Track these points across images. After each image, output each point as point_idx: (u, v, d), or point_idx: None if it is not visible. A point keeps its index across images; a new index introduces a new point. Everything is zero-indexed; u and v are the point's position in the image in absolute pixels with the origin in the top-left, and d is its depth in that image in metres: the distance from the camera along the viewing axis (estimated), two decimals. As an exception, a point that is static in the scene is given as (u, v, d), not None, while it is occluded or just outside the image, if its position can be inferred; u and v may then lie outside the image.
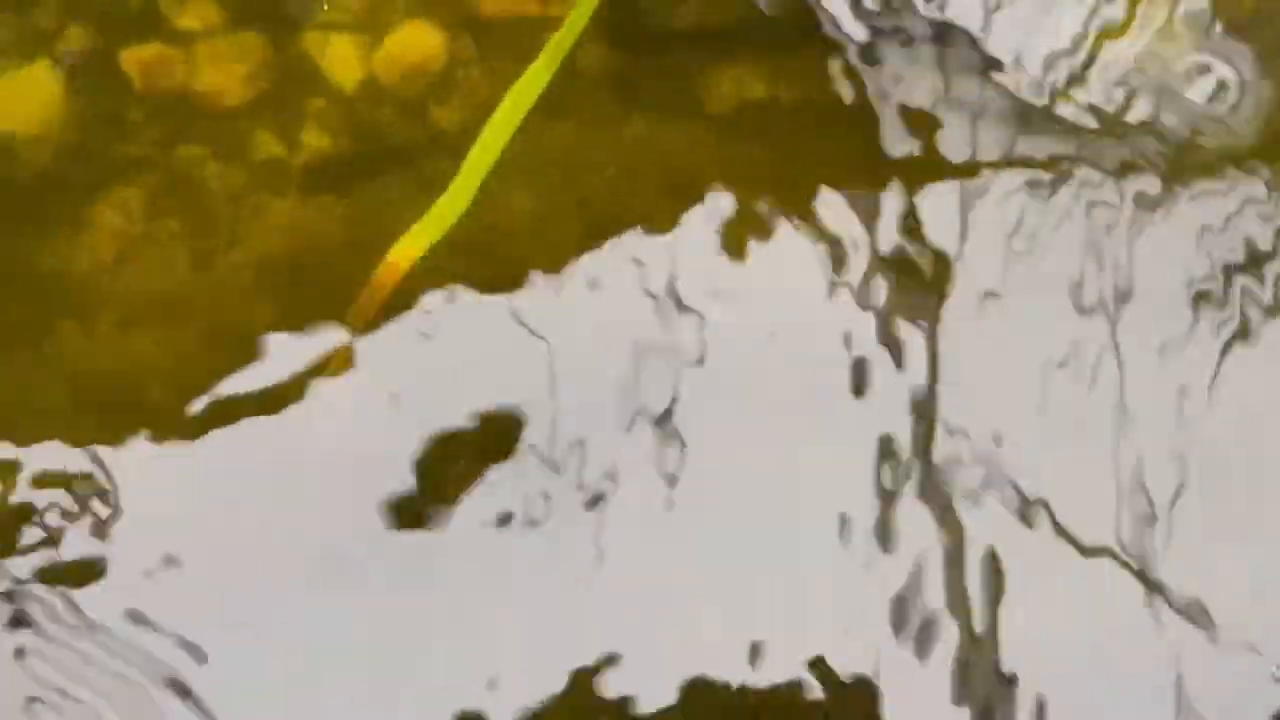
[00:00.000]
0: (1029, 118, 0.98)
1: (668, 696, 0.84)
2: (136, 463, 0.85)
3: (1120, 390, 0.92)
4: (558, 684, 0.82)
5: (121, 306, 0.89)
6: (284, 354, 0.89)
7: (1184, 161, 0.97)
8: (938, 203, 0.96)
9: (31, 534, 0.83)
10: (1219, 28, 1.01)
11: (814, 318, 0.92)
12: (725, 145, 0.93)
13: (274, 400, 0.87)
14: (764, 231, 0.94)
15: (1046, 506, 0.90)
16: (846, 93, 0.95)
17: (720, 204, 0.94)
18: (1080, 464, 0.91)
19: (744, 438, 0.89)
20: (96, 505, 0.84)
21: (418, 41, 0.96)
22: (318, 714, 0.81)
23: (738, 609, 0.85)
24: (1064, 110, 0.98)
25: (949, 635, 0.86)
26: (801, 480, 0.88)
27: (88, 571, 0.83)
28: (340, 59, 0.96)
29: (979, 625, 0.87)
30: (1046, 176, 0.97)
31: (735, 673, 0.84)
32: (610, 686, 0.83)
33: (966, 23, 0.99)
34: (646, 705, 0.83)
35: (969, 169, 0.97)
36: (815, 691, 0.84)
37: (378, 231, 0.91)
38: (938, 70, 0.98)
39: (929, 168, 0.96)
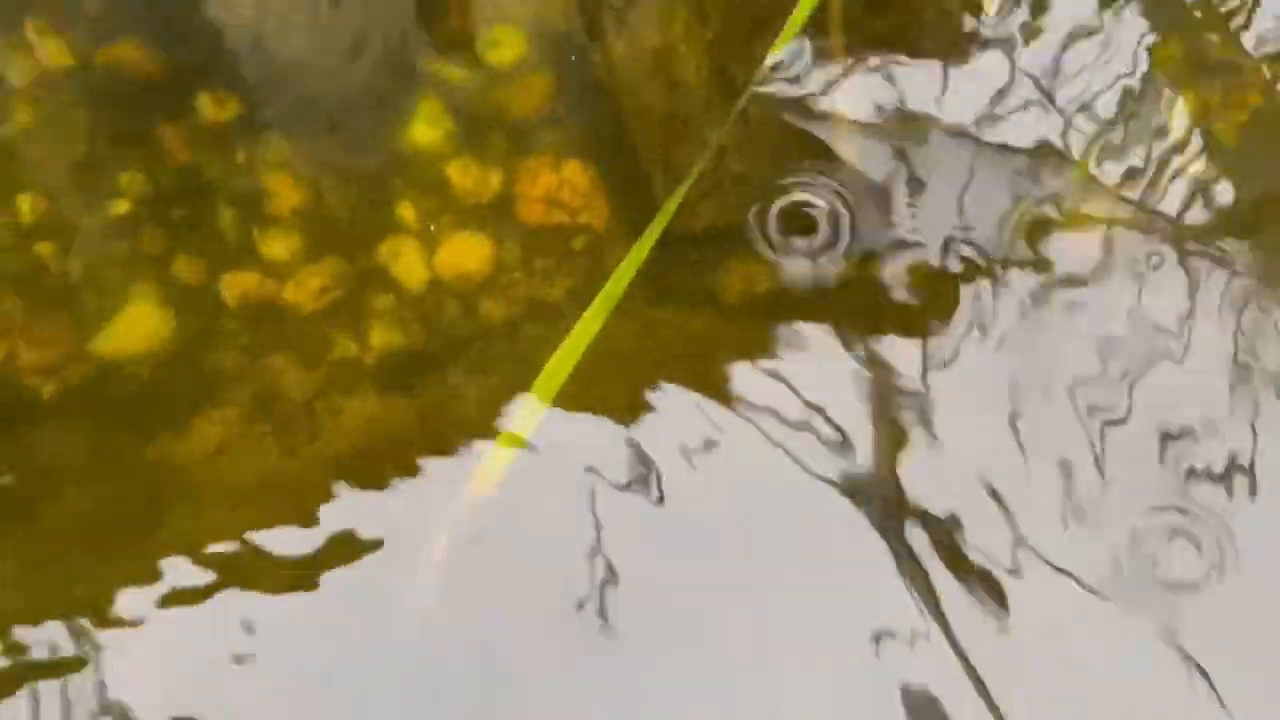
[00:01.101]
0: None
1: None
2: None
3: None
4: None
5: (219, 493, 0.99)
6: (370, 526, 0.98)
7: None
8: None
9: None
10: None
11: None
12: (738, 330, 1.01)
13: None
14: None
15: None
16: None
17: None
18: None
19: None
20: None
21: (469, 253, 1.07)
22: None
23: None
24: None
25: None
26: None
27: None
28: (408, 265, 1.07)
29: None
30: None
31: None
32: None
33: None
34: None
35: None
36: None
37: (442, 419, 1.01)
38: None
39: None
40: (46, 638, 0.94)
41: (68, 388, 1.00)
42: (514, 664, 0.94)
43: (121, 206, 1.04)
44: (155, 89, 1.09)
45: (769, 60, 1.05)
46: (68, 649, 0.94)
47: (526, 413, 0.96)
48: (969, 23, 1.12)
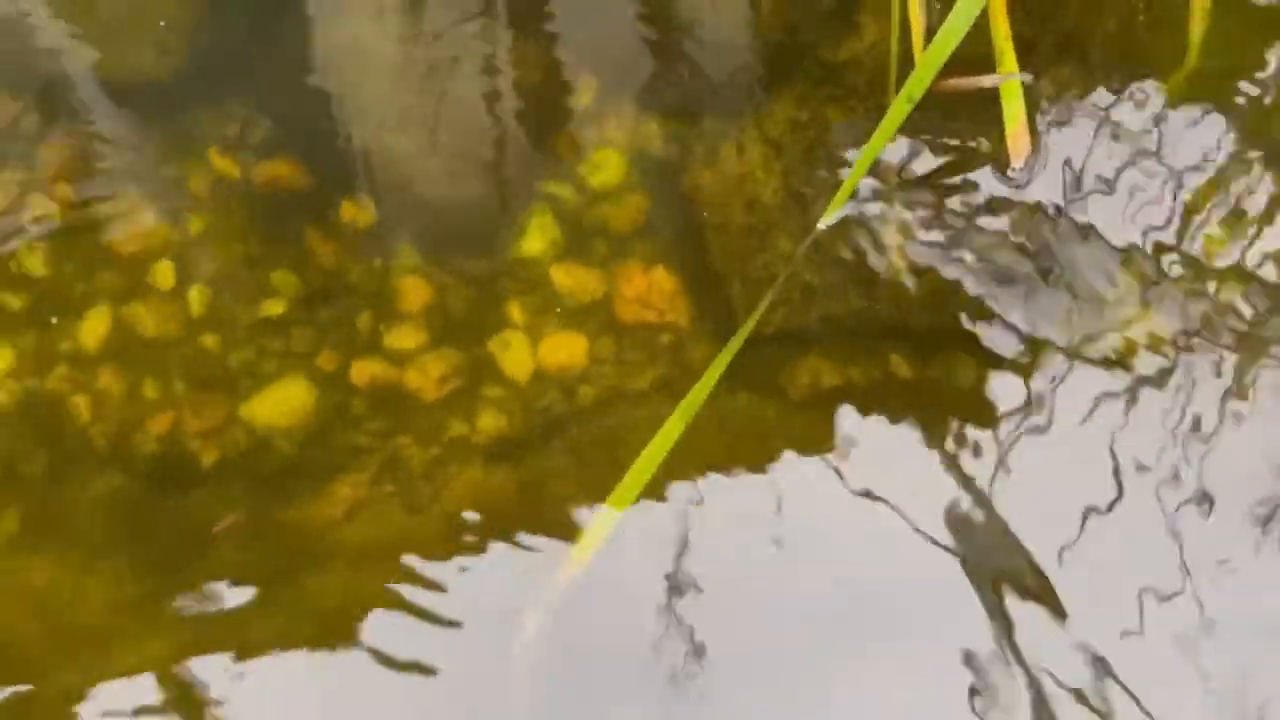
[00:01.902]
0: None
1: None
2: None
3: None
4: None
5: (350, 552, 1.10)
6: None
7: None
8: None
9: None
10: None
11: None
12: (804, 421, 1.11)
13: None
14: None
15: None
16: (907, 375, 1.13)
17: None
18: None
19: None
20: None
21: (568, 347, 1.19)
22: None
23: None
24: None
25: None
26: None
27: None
28: (515, 357, 1.19)
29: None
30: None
31: None
32: None
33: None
34: None
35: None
36: None
37: (543, 492, 1.12)
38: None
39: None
40: (185, 683, 1.07)
41: (224, 455, 1.14)
42: None
43: (275, 308, 1.19)
44: (305, 196, 1.25)
45: (828, 219, 1.17)
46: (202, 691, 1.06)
47: (618, 495, 1.06)
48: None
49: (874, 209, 1.19)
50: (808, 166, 1.19)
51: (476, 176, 1.26)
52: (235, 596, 1.06)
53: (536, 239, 1.23)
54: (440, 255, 1.22)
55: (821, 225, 1.15)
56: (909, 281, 1.17)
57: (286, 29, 1.28)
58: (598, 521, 1.04)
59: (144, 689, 1.00)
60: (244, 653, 1.03)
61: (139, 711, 1.00)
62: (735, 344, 1.06)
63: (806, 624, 1.06)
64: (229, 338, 1.18)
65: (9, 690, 1.00)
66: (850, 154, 1.20)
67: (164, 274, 1.21)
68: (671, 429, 1.03)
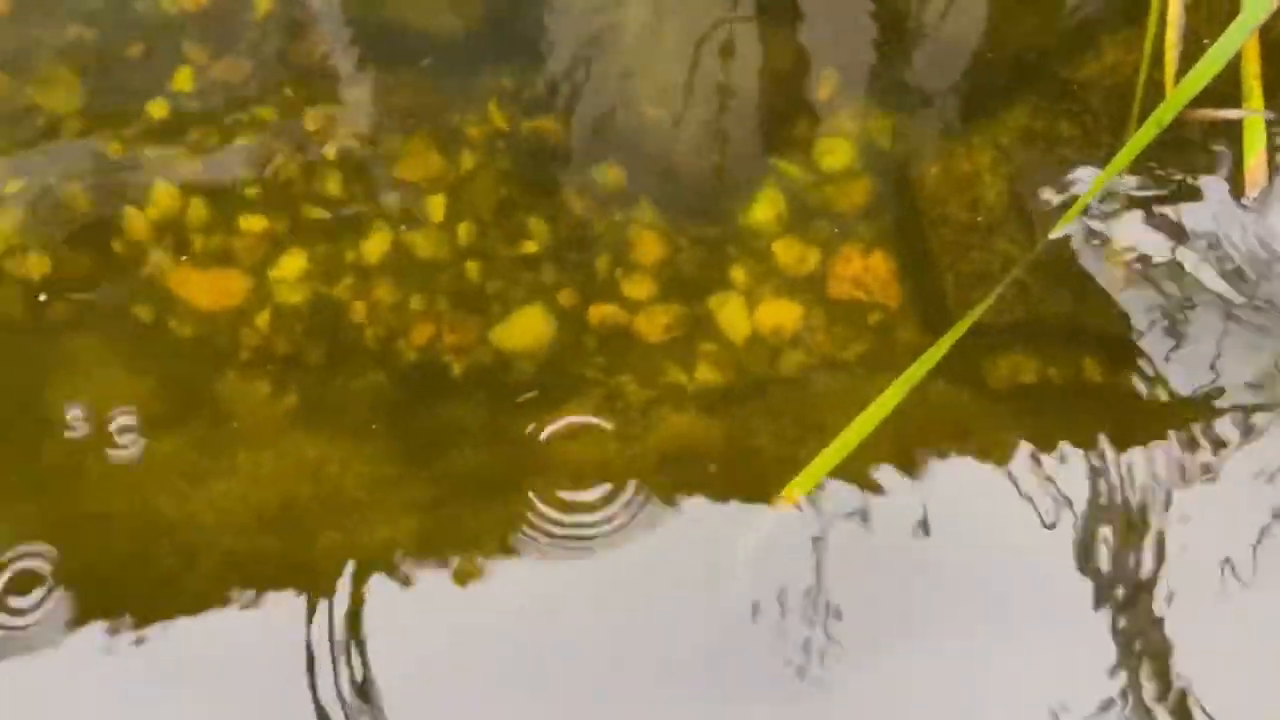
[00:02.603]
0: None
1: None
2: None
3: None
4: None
5: (571, 469, 1.23)
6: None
7: None
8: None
9: None
10: None
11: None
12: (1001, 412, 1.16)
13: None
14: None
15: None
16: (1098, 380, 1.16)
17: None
18: None
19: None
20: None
21: (782, 313, 1.27)
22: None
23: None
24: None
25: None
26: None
27: None
28: (732, 317, 1.28)
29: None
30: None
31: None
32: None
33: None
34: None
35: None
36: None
37: (746, 444, 1.21)
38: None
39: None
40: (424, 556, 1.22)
41: (471, 368, 1.28)
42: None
43: (531, 247, 1.33)
44: (564, 153, 1.38)
45: (1058, 232, 1.21)
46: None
47: (825, 456, 1.14)
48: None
49: (1099, 224, 1.23)
50: (1034, 174, 1.24)
51: (718, 150, 1.36)
52: (470, 491, 1.21)
53: (764, 212, 1.32)
54: (676, 217, 1.33)
55: (1051, 236, 1.20)
56: (1118, 296, 1.21)
57: (568, 2, 1.42)
58: (803, 477, 1.13)
59: (392, 557, 1.17)
60: (472, 544, 1.18)
61: (388, 573, 1.16)
62: (958, 331, 1.12)
63: (968, 597, 1.13)
64: (487, 268, 1.32)
65: (286, 542, 1.18)
66: (1080, 169, 1.25)
67: (438, 207, 1.36)
68: (888, 399, 1.10)
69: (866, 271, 1.28)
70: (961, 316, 1.16)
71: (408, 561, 1.17)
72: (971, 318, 1.13)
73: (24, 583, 1.15)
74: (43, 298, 1.29)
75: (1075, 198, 1.22)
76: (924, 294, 1.25)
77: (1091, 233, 1.23)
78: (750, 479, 1.20)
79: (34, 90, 1.41)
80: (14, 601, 1.15)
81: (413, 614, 1.15)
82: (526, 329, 1.30)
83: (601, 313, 1.31)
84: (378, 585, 1.16)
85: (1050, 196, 1.25)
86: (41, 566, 1.17)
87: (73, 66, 1.42)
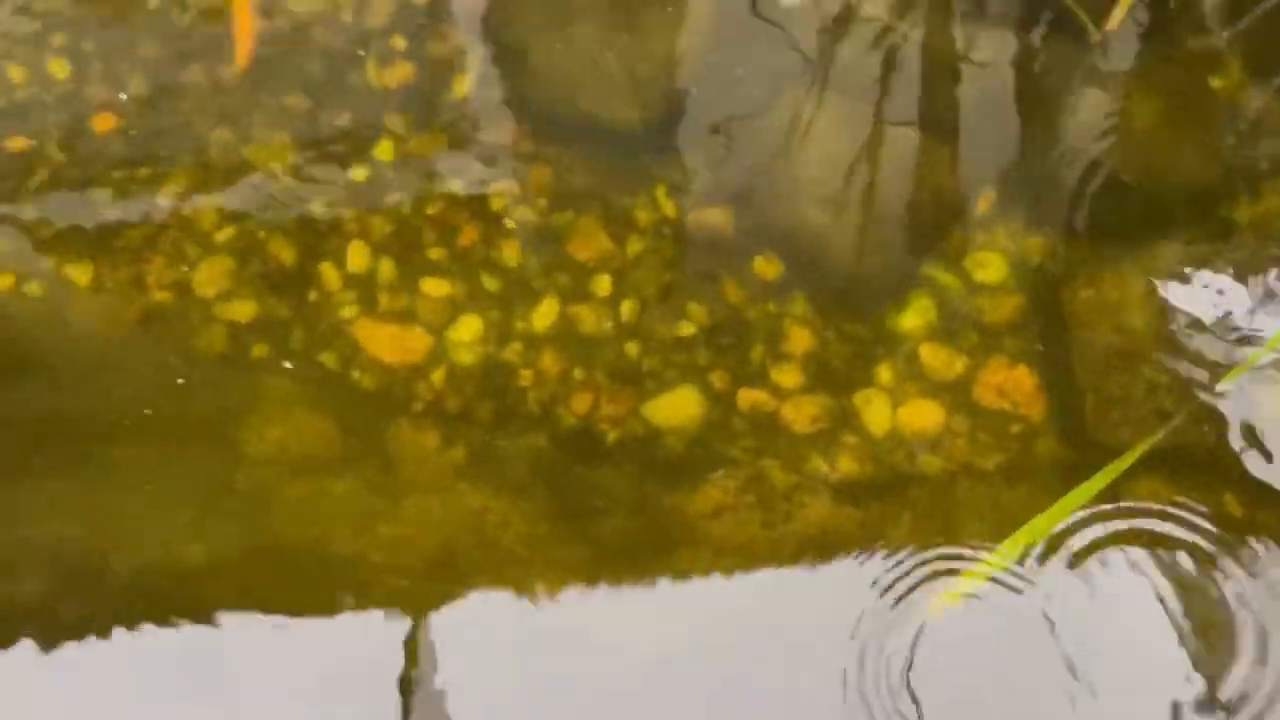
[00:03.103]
0: None
1: None
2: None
3: None
4: None
5: (714, 544, 1.28)
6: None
7: None
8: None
9: None
10: None
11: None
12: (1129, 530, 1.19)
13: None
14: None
15: None
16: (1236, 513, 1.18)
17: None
18: None
19: None
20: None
21: (925, 415, 1.31)
22: None
23: None
24: None
25: None
26: None
27: None
28: (876, 414, 1.33)
29: None
30: None
31: None
32: None
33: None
34: None
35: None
36: None
37: (883, 539, 1.26)
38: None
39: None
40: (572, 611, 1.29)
41: (624, 439, 1.35)
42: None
43: (687, 329, 1.40)
44: (726, 244, 1.46)
45: (1225, 384, 1.23)
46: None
47: (985, 563, 1.18)
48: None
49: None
50: (1187, 309, 1.27)
51: (874, 253, 1.42)
52: (620, 555, 1.27)
53: (915, 316, 1.37)
54: (829, 313, 1.39)
55: (1218, 388, 1.24)
56: (1269, 446, 1.23)
57: (741, 105, 1.50)
58: (954, 588, 1.17)
59: (545, 611, 1.24)
60: (620, 607, 1.24)
61: (540, 626, 1.23)
62: (1125, 462, 1.17)
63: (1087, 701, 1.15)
64: (645, 345, 1.40)
65: (448, 586, 1.26)
66: (1238, 313, 1.27)
67: (604, 284, 1.45)
68: (1043, 524, 1.15)
69: (1011, 383, 1.32)
70: (1101, 435, 1.20)
71: (559, 616, 1.25)
72: (1134, 452, 1.16)
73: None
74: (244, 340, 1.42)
75: (1234, 337, 1.24)
76: (1066, 410, 1.29)
77: (1255, 378, 1.25)
78: (884, 574, 1.24)
79: (251, 148, 1.55)
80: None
81: (560, 668, 1.22)
82: (678, 407, 1.37)
83: (751, 398, 1.37)
84: (529, 636, 1.24)
85: (1202, 335, 1.28)
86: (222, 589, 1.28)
87: (288, 130, 1.56)
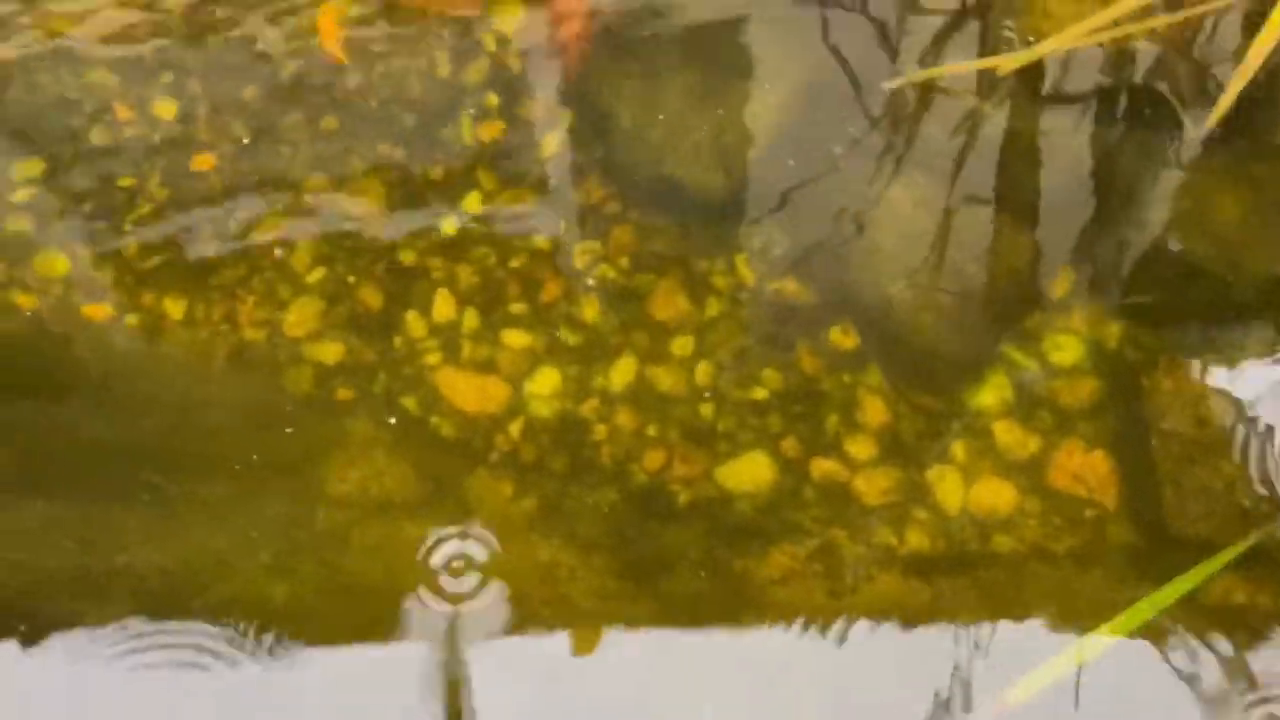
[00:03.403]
0: None
1: None
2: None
3: None
4: None
5: (777, 614, 1.29)
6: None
7: None
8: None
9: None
10: None
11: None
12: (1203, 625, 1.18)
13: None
14: None
15: None
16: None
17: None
18: None
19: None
20: None
21: (997, 494, 1.32)
22: None
23: None
24: None
25: None
26: None
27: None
28: (948, 490, 1.33)
29: None
30: None
31: None
32: None
33: None
34: None
35: None
36: None
37: (951, 618, 1.26)
38: None
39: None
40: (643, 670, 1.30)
41: (695, 500, 1.37)
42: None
43: (761, 394, 1.42)
44: (803, 313, 1.47)
45: None
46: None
47: (1066, 656, 1.18)
48: None
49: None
50: (1271, 403, 1.26)
51: (951, 329, 1.43)
52: (686, 615, 1.28)
53: (990, 394, 1.38)
54: (903, 386, 1.40)
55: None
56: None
57: (824, 178, 1.52)
58: (1024, 685, 1.17)
59: (608, 665, 1.25)
60: (686, 666, 1.25)
61: (606, 681, 1.24)
62: (1216, 564, 1.16)
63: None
64: (719, 408, 1.42)
65: (516, 635, 1.28)
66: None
67: (682, 345, 1.47)
68: (1122, 624, 1.14)
69: (1086, 468, 1.32)
70: (1178, 529, 1.19)
71: (624, 672, 1.25)
72: (1228, 556, 1.15)
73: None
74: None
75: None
76: (1142, 499, 1.28)
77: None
78: (951, 655, 1.24)
79: (345, 195, 1.60)
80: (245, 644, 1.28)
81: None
82: (750, 471, 1.39)
83: (823, 467, 1.38)
84: (594, 690, 1.24)
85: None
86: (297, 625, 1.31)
87: (381, 179, 1.60)
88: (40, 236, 1.58)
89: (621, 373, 1.46)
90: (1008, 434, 1.37)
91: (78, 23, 1.71)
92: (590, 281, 1.53)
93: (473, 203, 1.59)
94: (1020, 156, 1.54)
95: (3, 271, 1.54)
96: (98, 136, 1.63)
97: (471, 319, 1.50)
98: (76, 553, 1.33)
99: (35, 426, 1.42)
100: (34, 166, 1.61)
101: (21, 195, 1.61)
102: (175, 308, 1.52)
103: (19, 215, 1.59)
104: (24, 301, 1.52)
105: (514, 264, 1.54)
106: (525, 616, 1.29)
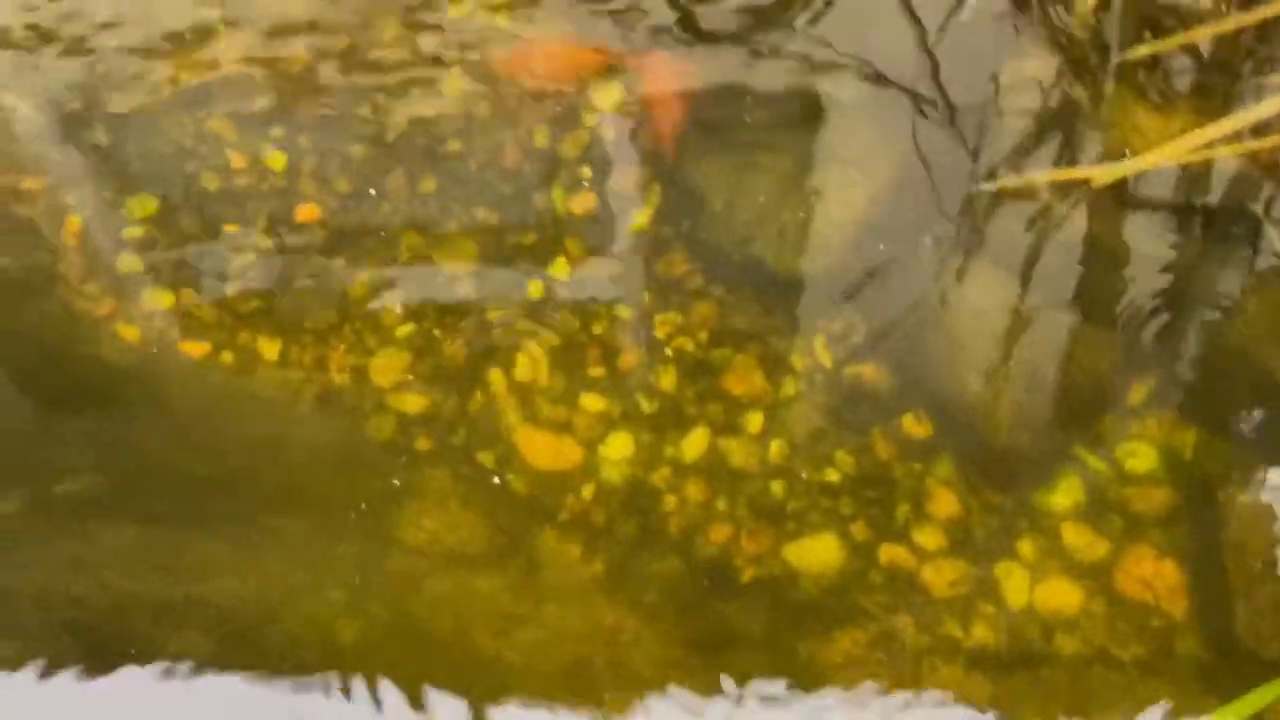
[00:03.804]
0: None
1: None
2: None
3: None
4: None
5: (838, 697, 1.29)
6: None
7: None
8: None
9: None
10: None
11: None
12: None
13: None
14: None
15: None
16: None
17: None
18: None
19: None
20: None
21: (1063, 595, 1.31)
22: None
23: None
24: None
25: None
26: None
27: None
28: (1015, 587, 1.33)
29: None
30: None
31: None
32: None
33: None
34: None
35: None
36: None
37: (1013, 714, 1.25)
38: None
39: None
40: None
41: (760, 577, 1.38)
42: None
43: (833, 476, 1.44)
44: (878, 399, 1.49)
45: None
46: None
47: None
48: None
49: None
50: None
51: (1025, 428, 1.44)
52: (754, 692, 1.29)
53: (1062, 495, 1.38)
54: (975, 480, 1.41)
55: None
56: None
57: (905, 268, 1.55)
58: None
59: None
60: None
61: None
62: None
63: None
64: (790, 487, 1.43)
65: (575, 694, 1.29)
66: None
67: (755, 422, 1.50)
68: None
69: (1156, 576, 1.31)
70: (1248, 645, 1.18)
71: (682, 745, 1.26)
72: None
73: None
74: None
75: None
76: (1211, 612, 1.27)
77: None
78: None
79: (439, 253, 1.65)
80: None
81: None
82: (818, 552, 1.40)
83: (891, 554, 1.39)
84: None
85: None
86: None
87: (474, 240, 1.66)
88: (149, 273, 1.66)
89: (694, 444, 1.49)
90: (1077, 535, 1.37)
91: (202, 74, 1.80)
92: (669, 352, 1.56)
93: (560, 269, 1.64)
94: (1102, 263, 1.56)
95: (112, 304, 1.62)
96: (210, 182, 1.72)
97: (551, 380, 1.54)
98: (160, 578, 1.37)
99: (132, 453, 1.48)
100: (148, 206, 1.70)
101: (135, 233, 1.69)
102: (269, 349, 1.57)
103: (131, 252, 1.67)
104: (129, 334, 1.59)
105: (595, 330, 1.58)
106: (587, 678, 1.30)
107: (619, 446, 1.50)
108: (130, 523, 1.41)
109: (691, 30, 1.80)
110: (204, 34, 1.82)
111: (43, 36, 1.83)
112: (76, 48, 1.81)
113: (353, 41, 1.82)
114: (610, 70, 1.78)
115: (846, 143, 1.67)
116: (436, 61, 1.79)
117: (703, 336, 1.57)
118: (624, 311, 1.59)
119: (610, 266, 1.64)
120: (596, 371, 1.55)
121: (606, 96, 1.76)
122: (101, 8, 1.85)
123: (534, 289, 1.63)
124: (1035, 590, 1.34)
